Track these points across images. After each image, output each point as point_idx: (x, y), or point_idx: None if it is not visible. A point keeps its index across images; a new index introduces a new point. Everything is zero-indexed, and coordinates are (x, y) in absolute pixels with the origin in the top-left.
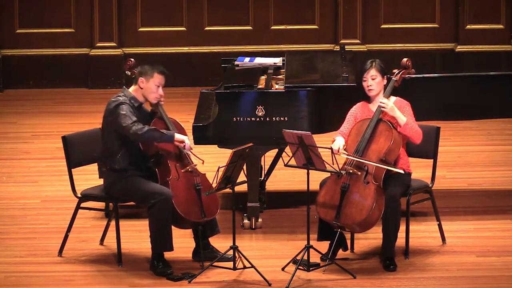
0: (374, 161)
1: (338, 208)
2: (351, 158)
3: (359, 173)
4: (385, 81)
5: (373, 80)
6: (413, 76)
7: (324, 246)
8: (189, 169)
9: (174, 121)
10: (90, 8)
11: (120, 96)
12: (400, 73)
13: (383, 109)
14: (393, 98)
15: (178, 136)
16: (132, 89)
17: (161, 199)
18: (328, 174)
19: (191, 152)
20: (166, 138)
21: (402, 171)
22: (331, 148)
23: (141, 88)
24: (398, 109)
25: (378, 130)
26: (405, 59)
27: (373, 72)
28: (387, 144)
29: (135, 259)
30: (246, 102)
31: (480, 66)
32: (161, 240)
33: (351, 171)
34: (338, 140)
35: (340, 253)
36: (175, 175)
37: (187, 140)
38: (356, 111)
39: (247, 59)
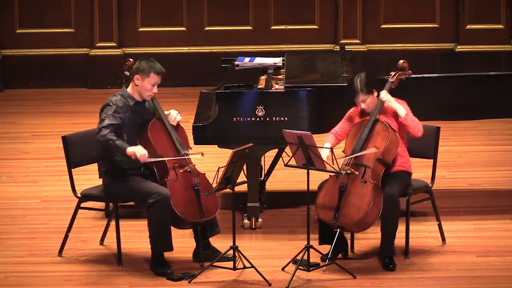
0: (370, 160)
1: (337, 208)
2: (347, 157)
3: (357, 172)
4: (376, 94)
5: (364, 103)
6: (413, 76)
7: (324, 246)
8: (188, 170)
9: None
10: (90, 8)
11: (116, 95)
12: (397, 75)
13: (383, 101)
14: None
15: (129, 149)
16: (129, 87)
17: (159, 198)
18: (327, 176)
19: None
20: (119, 150)
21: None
22: (331, 148)
23: (136, 85)
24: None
25: (375, 130)
26: (401, 61)
27: (361, 97)
28: (383, 144)
29: (135, 259)
30: (246, 102)
31: (480, 66)
32: (160, 240)
33: (349, 171)
34: (324, 151)
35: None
36: (173, 175)
37: (139, 151)
38: (354, 113)
39: (247, 59)
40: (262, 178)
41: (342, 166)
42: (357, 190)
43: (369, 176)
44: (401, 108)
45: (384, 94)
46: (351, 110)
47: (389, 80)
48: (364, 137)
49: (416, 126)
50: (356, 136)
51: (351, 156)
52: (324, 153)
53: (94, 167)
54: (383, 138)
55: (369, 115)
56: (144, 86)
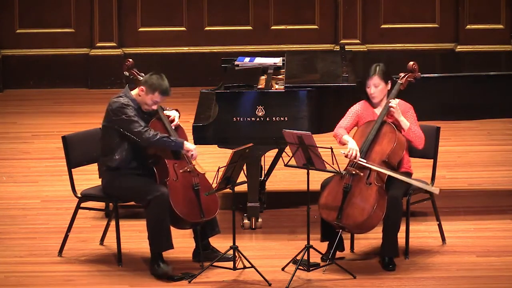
0: (379, 167)
1: (340, 208)
2: (361, 162)
3: (362, 174)
4: (389, 86)
5: (376, 88)
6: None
7: (324, 246)
8: (188, 170)
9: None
10: (90, 8)
11: (121, 96)
12: (406, 76)
13: (391, 109)
14: (396, 100)
15: (187, 144)
16: (134, 92)
17: (157, 195)
18: (329, 175)
19: (196, 162)
20: (176, 146)
21: (405, 179)
22: (331, 148)
23: (139, 95)
24: (401, 113)
25: (382, 132)
26: (411, 63)
27: (376, 80)
28: (390, 146)
29: (135, 259)
30: (246, 102)
31: (480, 66)
32: (160, 238)
33: (354, 172)
34: (352, 144)
35: (339, 253)
36: (173, 175)
37: (195, 150)
38: (360, 111)
39: (247, 59)
40: (262, 178)
41: (347, 166)
42: (361, 192)
43: (374, 178)
44: (405, 121)
45: (394, 103)
46: (356, 106)
47: (398, 81)
48: (371, 138)
49: (418, 140)
50: (363, 136)
51: (363, 163)
52: (352, 142)
53: (94, 167)
54: (390, 140)
55: (377, 116)
56: (146, 100)
